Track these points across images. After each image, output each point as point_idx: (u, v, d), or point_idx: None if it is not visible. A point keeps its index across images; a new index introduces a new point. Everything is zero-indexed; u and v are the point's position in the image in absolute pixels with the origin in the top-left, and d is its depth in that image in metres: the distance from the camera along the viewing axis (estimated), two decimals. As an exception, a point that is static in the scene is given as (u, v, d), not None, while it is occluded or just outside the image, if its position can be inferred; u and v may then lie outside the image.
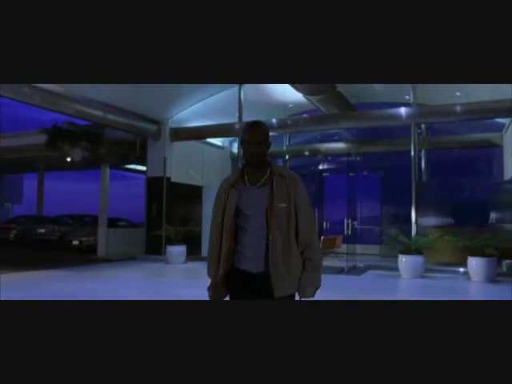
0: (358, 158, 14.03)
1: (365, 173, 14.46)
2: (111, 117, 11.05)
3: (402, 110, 10.42)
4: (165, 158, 11.99)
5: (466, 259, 8.40)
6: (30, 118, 12.10)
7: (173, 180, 12.07)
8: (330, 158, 15.13)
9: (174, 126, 12.33)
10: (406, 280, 8.49)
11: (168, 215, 11.83)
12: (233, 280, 2.29)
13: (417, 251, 8.73)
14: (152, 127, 12.06)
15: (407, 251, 8.75)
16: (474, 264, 8.24)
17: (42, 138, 12.67)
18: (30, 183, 23.49)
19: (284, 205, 2.25)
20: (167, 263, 10.68)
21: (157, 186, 11.91)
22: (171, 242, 10.90)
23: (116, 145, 12.81)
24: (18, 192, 24.51)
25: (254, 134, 2.28)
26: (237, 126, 11.60)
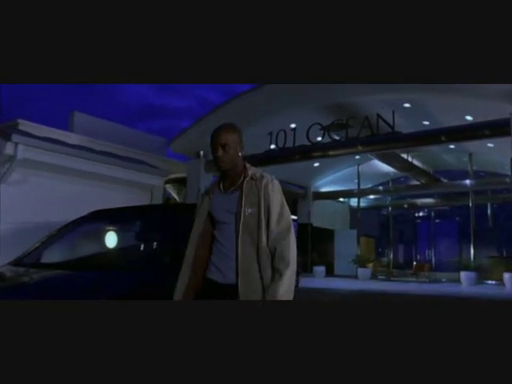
0: (445, 208, 19.84)
1: (448, 219, 20.08)
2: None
3: (467, 182, 16.27)
4: (309, 211, 18.89)
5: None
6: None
7: (314, 225, 18.89)
8: (422, 209, 20.96)
9: (315, 190, 19.28)
10: (463, 286, 14.21)
11: (313, 247, 18.55)
12: (203, 292, 2.12)
13: (472, 268, 14.43)
14: (300, 191, 19.10)
15: (466, 269, 14.50)
16: (507, 277, 13.72)
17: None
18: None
19: (252, 210, 2.04)
20: (314, 277, 17.27)
21: (304, 229, 18.72)
22: (316, 263, 17.57)
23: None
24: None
25: (216, 137, 2.10)
26: (355, 191, 18.27)
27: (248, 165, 2.20)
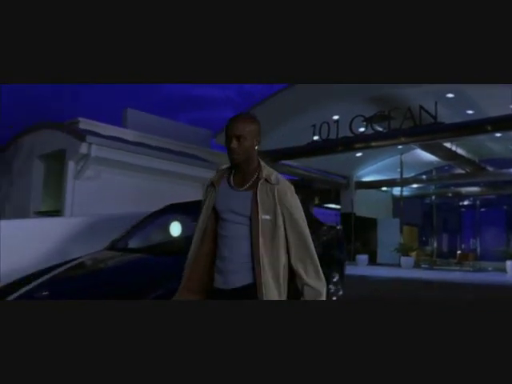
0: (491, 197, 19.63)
1: (494, 208, 19.83)
2: (314, 175, 18.53)
3: (512, 170, 16.11)
4: (352, 200, 19.17)
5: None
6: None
7: (357, 214, 19.17)
8: (467, 197, 20.78)
9: (357, 179, 19.53)
10: (509, 275, 14.18)
11: (356, 236, 18.86)
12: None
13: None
14: (343, 181, 19.38)
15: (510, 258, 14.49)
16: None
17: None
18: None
19: (268, 217, 1.90)
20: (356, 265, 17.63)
21: (347, 218, 19.02)
22: (359, 252, 17.91)
23: (318, 191, 20.46)
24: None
25: (231, 127, 1.92)
26: (398, 180, 18.38)
27: (263, 163, 2.02)
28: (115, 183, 7.46)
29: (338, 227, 6.15)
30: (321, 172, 18.54)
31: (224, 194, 2.00)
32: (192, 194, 8.00)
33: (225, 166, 2.08)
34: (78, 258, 3.82)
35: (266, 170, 1.97)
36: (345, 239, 6.30)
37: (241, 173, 1.99)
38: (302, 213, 1.99)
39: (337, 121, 13.06)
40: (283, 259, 1.93)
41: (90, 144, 7.02)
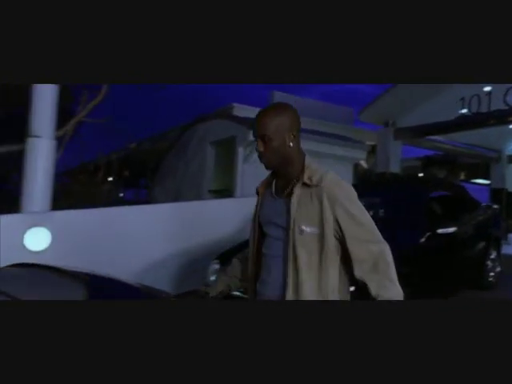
0: None
1: None
2: (459, 149, 17.66)
3: None
4: (503, 175, 17.96)
5: None
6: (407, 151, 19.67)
7: (510, 190, 17.93)
8: None
9: (510, 153, 18.18)
10: None
11: (508, 214, 17.64)
12: None
13: None
14: (493, 154, 18.20)
15: None
16: None
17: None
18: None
19: (309, 228, 1.52)
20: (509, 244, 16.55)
21: (498, 195, 17.88)
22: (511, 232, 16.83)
23: (465, 166, 19.52)
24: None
25: (256, 126, 1.61)
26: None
27: (308, 161, 1.65)
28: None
29: (495, 206, 6.29)
30: (468, 146, 17.66)
31: (266, 203, 1.72)
32: (345, 174, 8.63)
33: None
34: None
35: (309, 171, 1.61)
36: (501, 218, 6.42)
37: (281, 177, 1.69)
38: (364, 213, 1.60)
39: (489, 92, 12.43)
40: (335, 282, 1.55)
41: (257, 131, 7.99)
